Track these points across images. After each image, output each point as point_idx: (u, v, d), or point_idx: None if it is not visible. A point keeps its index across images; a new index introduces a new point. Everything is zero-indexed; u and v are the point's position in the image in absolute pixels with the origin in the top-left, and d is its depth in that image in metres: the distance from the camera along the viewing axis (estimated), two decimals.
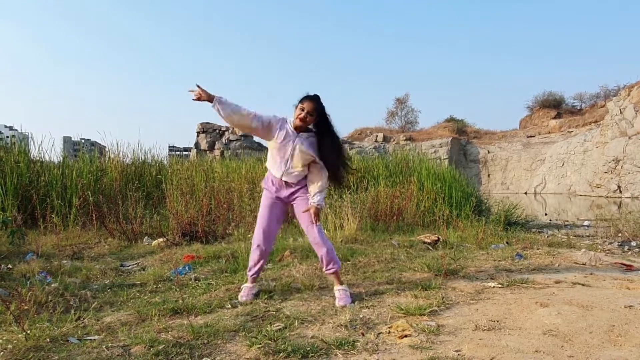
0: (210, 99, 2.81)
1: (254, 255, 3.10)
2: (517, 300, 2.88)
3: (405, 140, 30.02)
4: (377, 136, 31.26)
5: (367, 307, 2.81)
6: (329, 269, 3.05)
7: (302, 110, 2.91)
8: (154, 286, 3.46)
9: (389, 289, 3.20)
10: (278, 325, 2.44)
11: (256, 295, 3.08)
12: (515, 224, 7.28)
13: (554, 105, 31.74)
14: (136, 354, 2.09)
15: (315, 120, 2.97)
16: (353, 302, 2.92)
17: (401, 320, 2.47)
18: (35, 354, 2.10)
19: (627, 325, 2.35)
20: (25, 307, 2.71)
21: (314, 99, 2.94)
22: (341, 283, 3.06)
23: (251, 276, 3.12)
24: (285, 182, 3.03)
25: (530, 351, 2.06)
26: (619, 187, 20.57)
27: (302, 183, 3.08)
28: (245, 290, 3.07)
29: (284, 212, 3.20)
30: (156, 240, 5.39)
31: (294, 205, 3.11)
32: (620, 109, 21.76)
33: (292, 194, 3.06)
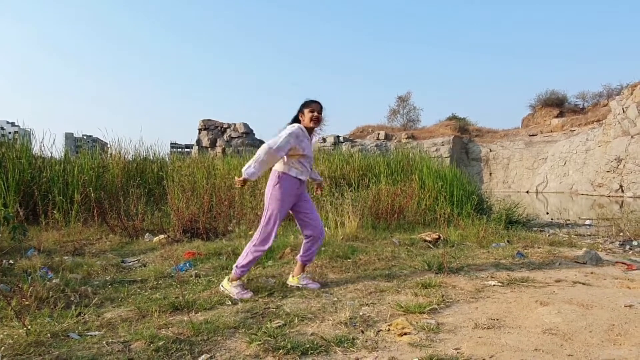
0: (245, 180, 3.02)
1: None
2: (517, 298, 2.88)
3: (407, 138, 29.98)
4: (378, 134, 31.22)
5: (367, 304, 2.82)
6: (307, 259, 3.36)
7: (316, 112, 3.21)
8: (155, 282, 3.47)
9: (389, 287, 3.21)
10: (278, 323, 2.44)
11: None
12: (516, 222, 7.26)
13: (556, 104, 31.64)
14: (136, 350, 2.10)
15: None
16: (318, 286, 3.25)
17: (401, 318, 2.47)
18: (36, 349, 2.11)
19: (627, 324, 2.35)
20: (27, 303, 2.72)
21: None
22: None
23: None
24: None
25: (530, 350, 2.06)
26: (621, 186, 20.52)
27: None
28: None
29: None
30: (157, 237, 5.40)
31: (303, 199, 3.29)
32: (622, 108, 21.69)
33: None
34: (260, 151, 3.00)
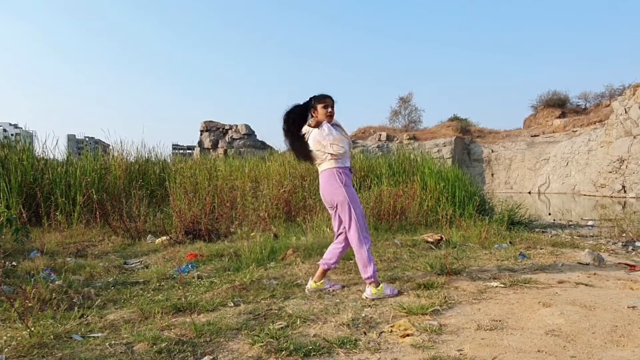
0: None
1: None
2: (520, 300, 2.88)
3: (408, 139, 29.97)
4: (380, 135, 31.23)
5: (369, 306, 2.82)
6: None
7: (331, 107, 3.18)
8: (157, 284, 3.48)
9: None
10: (280, 324, 2.45)
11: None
12: (518, 223, 7.24)
13: (558, 105, 31.60)
14: (139, 352, 2.10)
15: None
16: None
17: (403, 320, 2.47)
18: (39, 351, 2.12)
19: (630, 325, 2.34)
20: (30, 304, 2.73)
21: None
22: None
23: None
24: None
25: (533, 351, 2.06)
26: (623, 187, 20.48)
27: None
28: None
29: None
30: (159, 239, 5.41)
31: None
32: (625, 109, 21.65)
33: None
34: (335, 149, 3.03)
